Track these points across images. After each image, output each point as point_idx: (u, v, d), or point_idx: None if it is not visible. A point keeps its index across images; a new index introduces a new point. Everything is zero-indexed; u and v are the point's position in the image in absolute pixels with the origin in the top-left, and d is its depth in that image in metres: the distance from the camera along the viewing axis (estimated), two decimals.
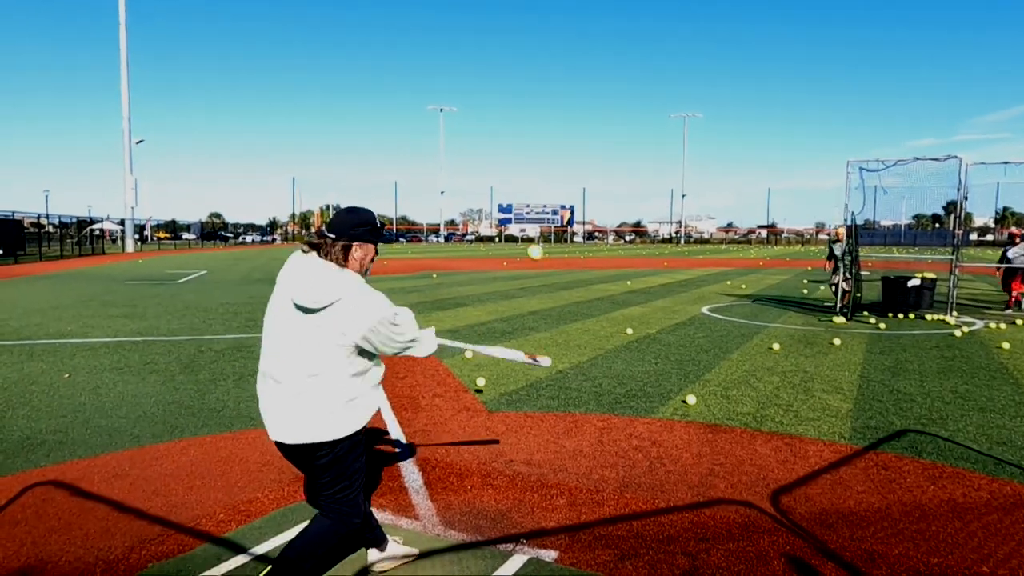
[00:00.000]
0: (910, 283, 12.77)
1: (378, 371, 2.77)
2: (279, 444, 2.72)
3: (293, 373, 2.59)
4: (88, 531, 3.50)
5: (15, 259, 31.11)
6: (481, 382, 6.83)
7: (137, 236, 49.46)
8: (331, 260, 2.61)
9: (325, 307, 2.52)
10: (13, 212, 35.69)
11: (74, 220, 45.06)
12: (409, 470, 4.42)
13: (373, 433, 5.19)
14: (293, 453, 2.74)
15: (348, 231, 2.62)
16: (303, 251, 2.69)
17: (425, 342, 2.78)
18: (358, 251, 2.65)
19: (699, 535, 3.51)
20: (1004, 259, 13.89)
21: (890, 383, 7.02)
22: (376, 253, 2.74)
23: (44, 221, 42.06)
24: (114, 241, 53.93)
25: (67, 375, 7.12)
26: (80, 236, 43.40)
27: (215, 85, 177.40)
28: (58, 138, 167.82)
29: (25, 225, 39.55)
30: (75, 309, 12.97)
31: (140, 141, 50.42)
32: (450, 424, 5.46)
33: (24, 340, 9.34)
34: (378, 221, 2.72)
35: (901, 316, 12.43)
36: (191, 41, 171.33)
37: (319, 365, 2.57)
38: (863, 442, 5.05)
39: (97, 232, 47.33)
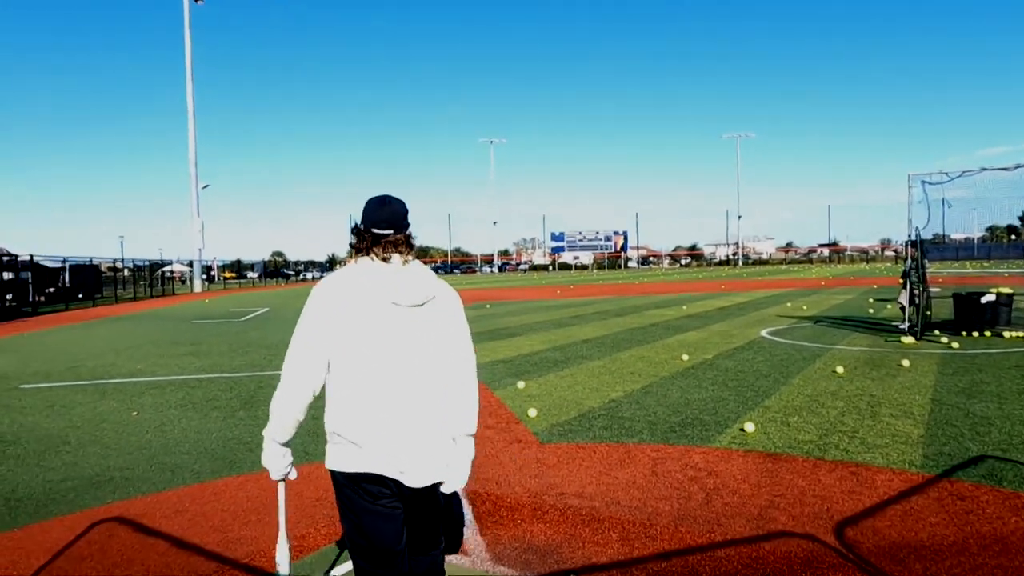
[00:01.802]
0: (984, 299, 12.14)
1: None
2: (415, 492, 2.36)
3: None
4: (148, 567, 3.60)
5: (93, 302, 32.84)
6: (533, 413, 6.78)
7: (205, 276, 51.58)
8: (411, 254, 2.41)
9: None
10: (91, 258, 37.79)
11: (147, 263, 47.35)
12: None
13: None
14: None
15: (405, 220, 2.40)
16: (402, 260, 2.36)
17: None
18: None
19: (758, 570, 3.36)
20: None
21: (965, 406, 6.63)
22: None
23: (120, 265, 44.36)
24: (183, 282, 56.36)
25: (135, 413, 7.41)
26: (152, 278, 45.57)
27: (270, 126, 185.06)
28: (131, 185, 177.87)
29: (103, 270, 41.82)
30: (146, 348, 13.55)
31: (206, 186, 52.84)
32: (501, 456, 5.42)
33: (98, 380, 9.79)
34: None
35: (976, 334, 11.79)
36: (251, 83, 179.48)
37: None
38: (936, 470, 4.77)
39: (168, 274, 49.62)
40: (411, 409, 2.28)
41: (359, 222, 2.38)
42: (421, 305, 2.32)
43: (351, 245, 2.38)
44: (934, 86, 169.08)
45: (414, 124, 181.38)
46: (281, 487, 2.59)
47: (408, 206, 2.43)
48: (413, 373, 2.29)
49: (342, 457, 2.29)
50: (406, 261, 2.36)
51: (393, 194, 2.43)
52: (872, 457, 5.12)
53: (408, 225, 2.39)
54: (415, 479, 2.28)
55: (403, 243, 2.35)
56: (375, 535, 2.33)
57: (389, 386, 2.26)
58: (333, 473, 2.34)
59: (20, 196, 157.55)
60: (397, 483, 2.28)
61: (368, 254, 2.34)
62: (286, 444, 2.40)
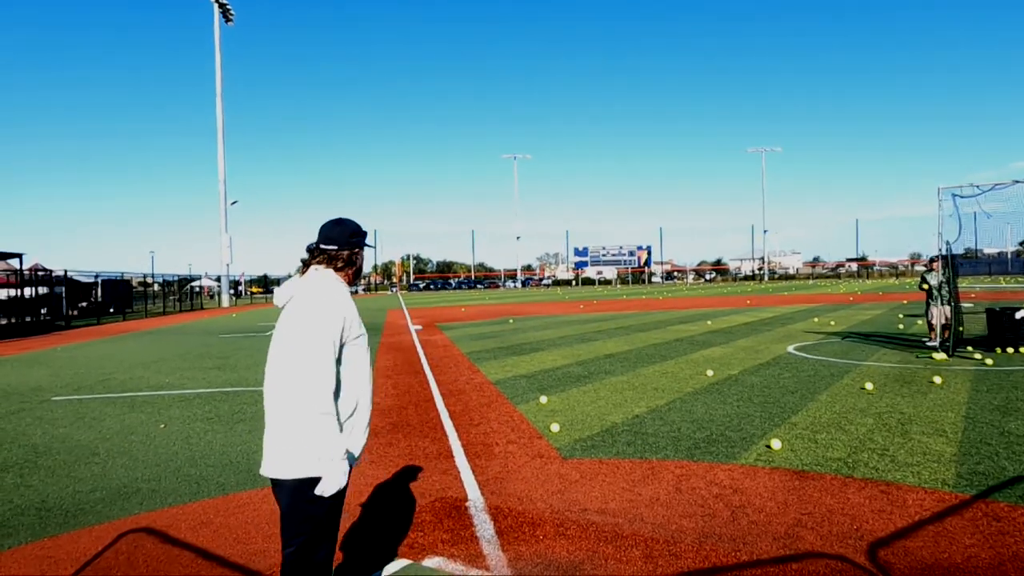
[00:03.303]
0: (1019, 314, 11.84)
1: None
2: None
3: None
4: None
5: (123, 316, 33.49)
6: (556, 428, 6.74)
7: (232, 291, 52.37)
8: (339, 268, 2.70)
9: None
10: (122, 273, 38.61)
11: (176, 278, 48.24)
12: (481, 519, 4.38)
13: (446, 482, 5.20)
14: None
15: (348, 239, 2.70)
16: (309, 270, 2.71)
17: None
18: (358, 258, 2.75)
19: None
20: None
21: (1000, 424, 6.46)
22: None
23: (150, 280, 45.25)
24: (211, 297, 57.29)
25: (163, 425, 7.52)
26: (181, 293, 46.36)
27: (297, 145, 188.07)
28: (162, 202, 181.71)
29: (134, 284, 42.66)
30: (174, 362, 13.76)
31: (235, 202, 53.80)
32: (523, 471, 5.40)
33: (127, 392, 9.96)
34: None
35: (1011, 350, 11.50)
36: (279, 101, 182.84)
37: None
38: (970, 490, 4.64)
39: (196, 289, 50.44)
40: (268, 402, 2.60)
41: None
42: (284, 306, 2.65)
43: (344, 258, 2.72)
44: (964, 99, 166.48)
45: (439, 140, 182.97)
46: None
47: (360, 226, 2.76)
48: (273, 369, 2.60)
49: None
50: (318, 269, 2.67)
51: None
52: (903, 476, 5.00)
53: (355, 243, 2.71)
54: (264, 468, 2.58)
55: (342, 257, 2.69)
56: None
57: (265, 383, 2.64)
58: None
59: (55, 213, 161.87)
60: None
61: (352, 263, 2.73)
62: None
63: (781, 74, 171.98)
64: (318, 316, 2.50)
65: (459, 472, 5.41)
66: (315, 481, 2.45)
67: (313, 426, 2.42)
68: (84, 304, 34.12)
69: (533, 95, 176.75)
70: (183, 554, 3.95)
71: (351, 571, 3.66)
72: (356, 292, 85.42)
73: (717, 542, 3.90)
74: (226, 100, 56.57)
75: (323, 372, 2.43)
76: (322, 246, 2.66)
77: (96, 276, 34.68)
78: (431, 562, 3.75)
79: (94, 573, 3.72)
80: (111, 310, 34.13)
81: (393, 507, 4.68)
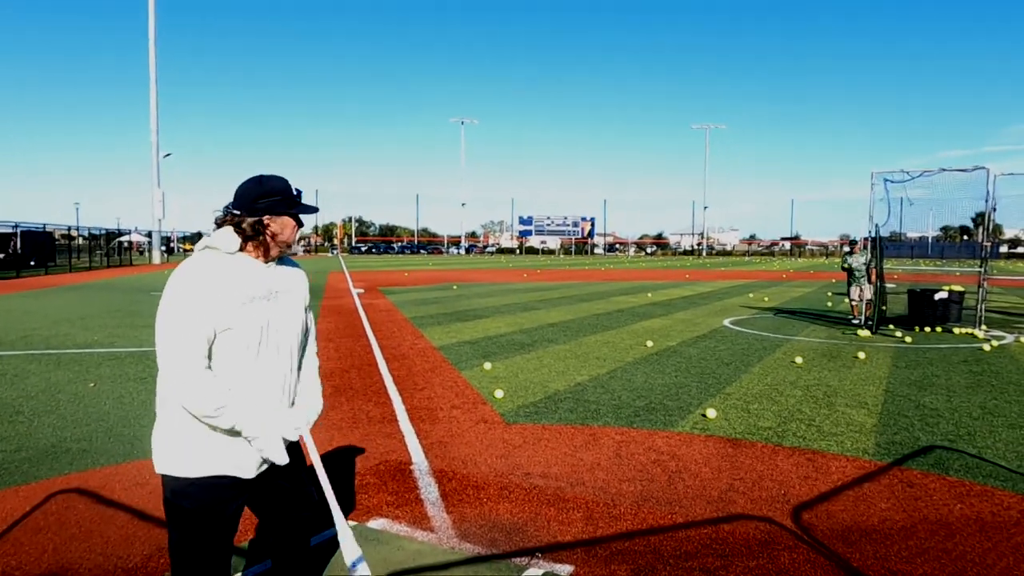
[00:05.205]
0: (937, 296, 12.55)
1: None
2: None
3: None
4: (109, 539, 3.54)
5: (46, 270, 31.81)
6: (499, 394, 6.82)
7: (164, 248, 50.34)
8: (242, 238, 2.22)
9: None
10: (44, 224, 36.54)
11: (103, 232, 45.96)
12: (425, 482, 4.42)
13: (390, 445, 5.21)
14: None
15: (251, 203, 2.20)
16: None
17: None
18: (273, 225, 2.24)
19: (718, 551, 3.46)
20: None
21: (916, 398, 6.88)
22: (299, 225, 2.31)
23: (74, 233, 42.97)
24: (141, 253, 54.87)
25: (92, 384, 7.24)
26: (108, 248, 44.26)
27: (238, 99, 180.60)
28: (88, 152, 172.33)
29: (56, 237, 40.47)
30: (102, 319, 13.20)
31: (168, 155, 51.42)
32: (467, 436, 5.45)
33: (52, 349, 9.52)
34: (293, 189, 2.28)
35: (928, 330, 12.21)
36: (215, 56, 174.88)
37: None
38: (887, 458, 4.95)
39: (125, 244, 48.23)
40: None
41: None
42: None
43: (246, 226, 2.25)
44: (897, 89, 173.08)
45: (383, 101, 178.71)
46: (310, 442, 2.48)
47: (279, 187, 2.27)
48: None
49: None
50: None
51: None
52: (827, 444, 5.28)
53: (261, 208, 2.22)
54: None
55: (242, 228, 2.23)
56: None
57: None
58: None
59: None
60: None
61: (257, 232, 2.26)
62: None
63: (730, 54, 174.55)
64: (169, 313, 2.10)
65: (403, 436, 5.42)
66: (166, 480, 2.27)
67: (213, 424, 2.18)
68: (1, 256, 32.20)
69: (483, 62, 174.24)
70: (117, 514, 3.85)
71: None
72: (295, 253, 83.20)
73: (655, 505, 4.05)
74: (160, 47, 53.63)
75: (189, 378, 2.10)
76: (231, 210, 2.21)
77: (15, 226, 32.72)
78: (376, 524, 3.77)
79: (23, 534, 3.60)
80: (32, 263, 32.34)
81: (336, 469, 4.66)
